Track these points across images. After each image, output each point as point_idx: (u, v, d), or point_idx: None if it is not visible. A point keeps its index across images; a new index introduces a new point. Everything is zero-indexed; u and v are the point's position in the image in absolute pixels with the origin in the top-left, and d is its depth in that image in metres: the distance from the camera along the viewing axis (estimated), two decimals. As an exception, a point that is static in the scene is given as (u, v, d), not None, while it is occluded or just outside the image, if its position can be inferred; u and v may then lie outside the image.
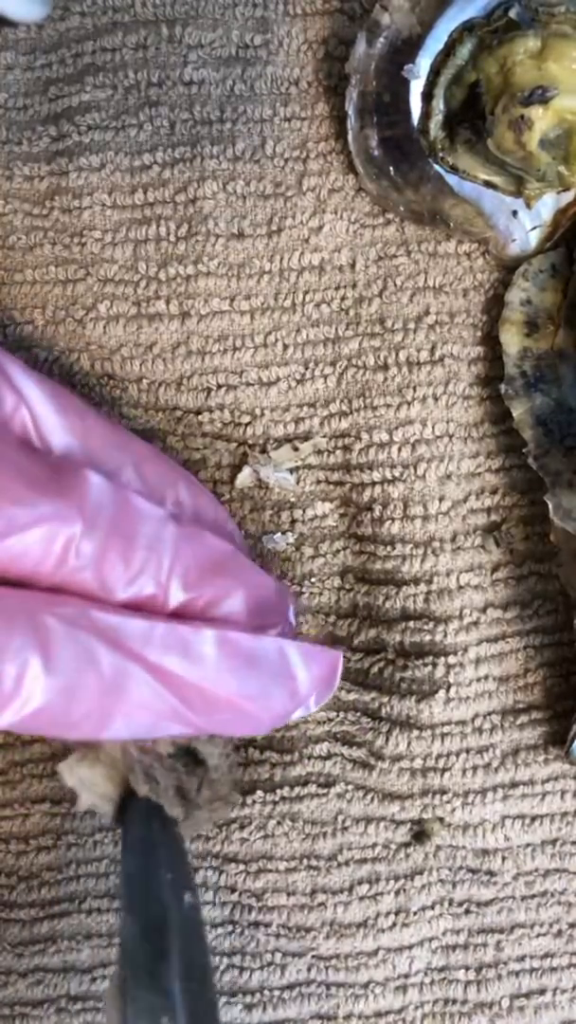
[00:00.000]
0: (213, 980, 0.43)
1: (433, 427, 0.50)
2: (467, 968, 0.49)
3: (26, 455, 0.41)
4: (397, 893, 0.49)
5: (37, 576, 0.40)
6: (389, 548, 0.50)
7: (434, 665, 0.49)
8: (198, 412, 0.51)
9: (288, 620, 0.46)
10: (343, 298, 0.50)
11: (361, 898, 0.49)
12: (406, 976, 0.49)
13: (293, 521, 0.50)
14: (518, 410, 0.49)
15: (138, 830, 0.43)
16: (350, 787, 0.50)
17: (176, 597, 0.42)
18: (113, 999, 0.40)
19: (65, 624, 0.39)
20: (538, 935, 0.49)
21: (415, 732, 0.49)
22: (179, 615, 0.42)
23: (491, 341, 0.50)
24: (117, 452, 0.44)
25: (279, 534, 0.50)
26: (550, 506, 0.47)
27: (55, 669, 0.38)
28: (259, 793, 0.49)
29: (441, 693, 0.49)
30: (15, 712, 0.38)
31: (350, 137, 0.49)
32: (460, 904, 0.49)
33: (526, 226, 0.49)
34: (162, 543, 0.42)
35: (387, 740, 0.49)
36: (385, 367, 0.50)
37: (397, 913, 0.49)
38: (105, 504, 0.41)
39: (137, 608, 0.41)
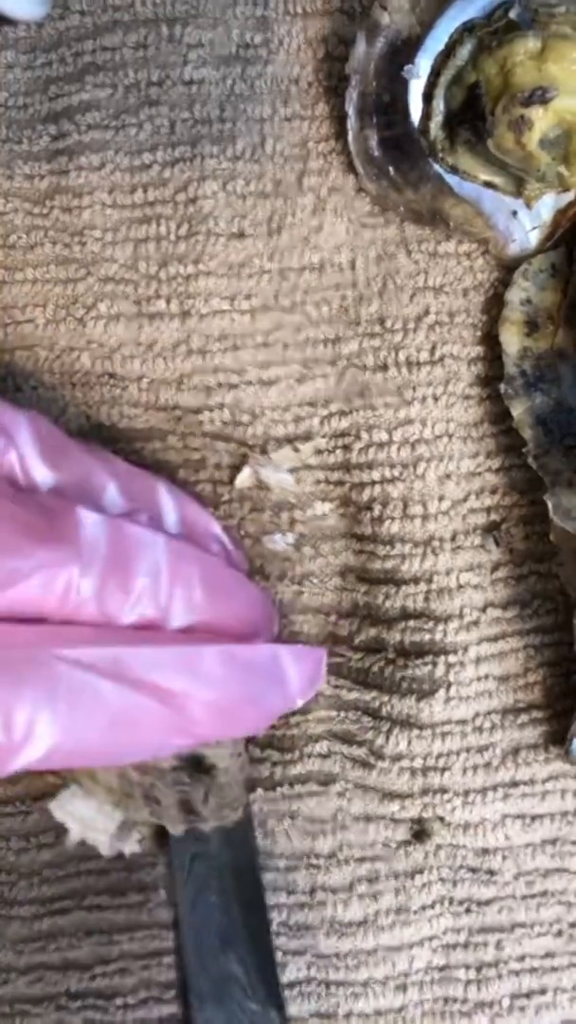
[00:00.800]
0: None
1: (433, 427, 0.50)
2: (467, 967, 0.49)
3: (19, 503, 0.42)
4: (397, 892, 0.49)
5: (41, 616, 0.41)
6: (389, 547, 0.50)
7: (434, 664, 0.49)
8: (198, 411, 0.51)
9: (272, 625, 0.48)
10: (343, 298, 0.50)
11: (361, 896, 0.49)
12: (406, 975, 0.49)
13: (293, 521, 0.51)
14: (518, 410, 0.49)
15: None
16: (350, 785, 0.50)
17: (176, 617, 0.43)
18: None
19: (72, 667, 0.40)
20: (538, 934, 0.49)
21: (415, 731, 0.49)
22: (180, 632, 0.44)
23: (491, 341, 0.50)
24: (99, 476, 0.45)
25: (279, 534, 0.51)
26: (550, 505, 0.47)
27: (64, 712, 0.39)
28: (259, 791, 0.49)
29: (441, 692, 0.49)
30: (28, 756, 0.39)
31: (350, 137, 0.49)
32: (460, 903, 0.49)
33: (526, 226, 0.49)
34: (158, 566, 0.43)
35: (387, 739, 0.49)
36: (385, 367, 0.50)
37: (397, 912, 0.49)
38: (99, 540, 0.42)
39: (141, 629, 0.43)
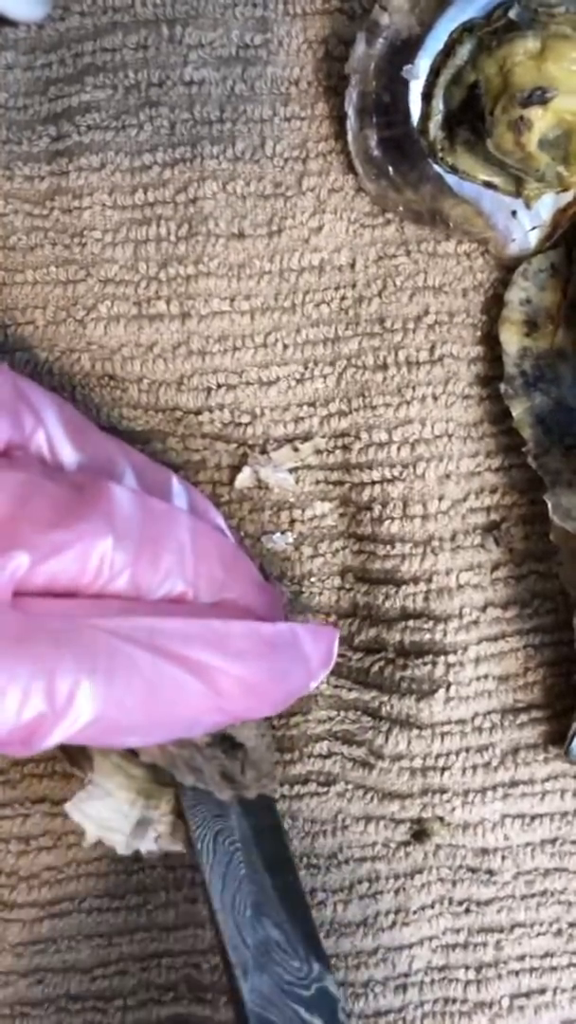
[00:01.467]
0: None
1: (432, 426, 0.50)
2: (467, 967, 0.49)
3: (51, 479, 0.42)
4: (397, 892, 0.49)
5: (77, 589, 0.41)
6: (389, 547, 0.50)
7: (434, 664, 0.49)
8: (198, 412, 0.51)
9: (282, 610, 0.48)
10: (343, 298, 0.51)
11: (361, 897, 0.49)
12: (406, 975, 0.49)
13: (293, 521, 0.51)
14: (517, 409, 0.49)
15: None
16: (350, 786, 0.50)
17: (203, 593, 0.44)
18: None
19: (110, 636, 0.40)
20: (538, 934, 0.49)
21: (415, 731, 0.49)
22: (208, 607, 0.44)
23: (491, 341, 0.50)
24: (119, 460, 0.46)
25: (279, 534, 0.51)
26: (549, 505, 0.47)
27: (104, 683, 0.39)
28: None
29: (441, 692, 0.49)
30: (68, 726, 0.39)
31: (350, 137, 0.49)
32: (460, 903, 0.49)
33: (525, 226, 0.49)
34: (183, 543, 0.44)
35: (387, 739, 0.49)
36: (384, 367, 0.50)
37: (397, 912, 0.49)
38: (132, 514, 0.42)
39: (171, 603, 0.43)
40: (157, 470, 0.47)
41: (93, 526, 0.41)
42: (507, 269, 0.50)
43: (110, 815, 0.45)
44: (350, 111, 0.49)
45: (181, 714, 0.41)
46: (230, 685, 0.42)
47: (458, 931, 0.49)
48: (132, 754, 0.45)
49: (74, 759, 0.46)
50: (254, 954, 0.44)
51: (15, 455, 0.43)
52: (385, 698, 0.49)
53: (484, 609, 0.50)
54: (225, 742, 0.45)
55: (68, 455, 0.45)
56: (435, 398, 0.50)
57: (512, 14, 0.46)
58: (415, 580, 0.50)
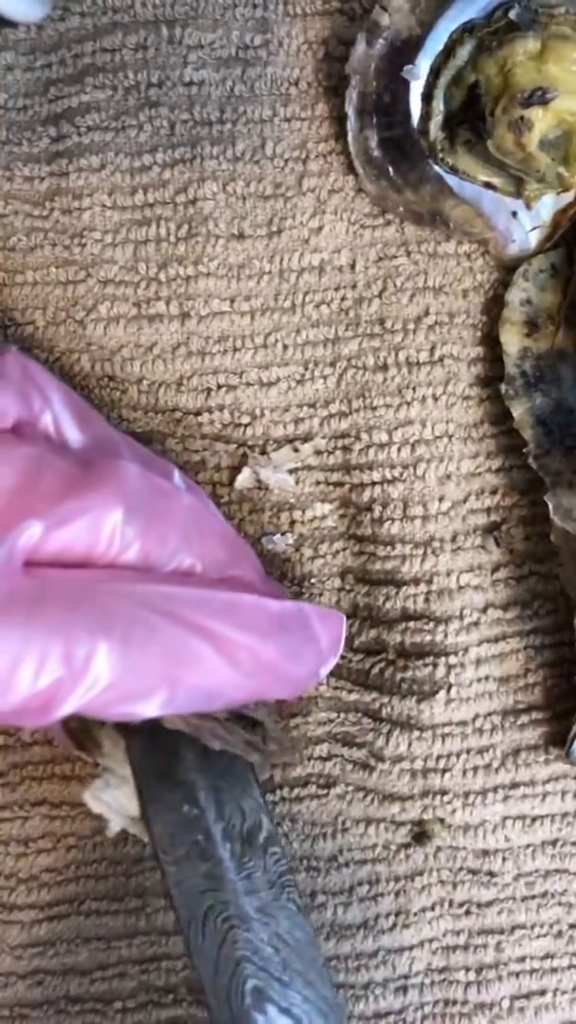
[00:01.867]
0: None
1: (433, 427, 0.50)
2: (467, 969, 0.49)
3: (59, 454, 0.42)
4: (397, 894, 0.49)
5: (89, 560, 0.41)
6: (389, 548, 0.50)
7: (434, 666, 0.49)
8: (198, 413, 0.51)
9: (282, 595, 0.47)
10: (343, 299, 0.50)
11: (361, 899, 0.49)
12: (406, 977, 0.49)
13: (293, 522, 0.51)
14: (518, 410, 0.49)
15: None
16: (350, 788, 0.50)
17: (210, 568, 0.44)
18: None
19: (125, 601, 0.40)
20: (538, 936, 0.49)
21: (416, 733, 0.49)
22: (217, 583, 0.44)
23: (491, 341, 0.50)
24: (122, 449, 0.45)
25: (279, 535, 0.50)
26: (550, 506, 0.47)
27: (120, 647, 0.39)
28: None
29: (441, 694, 0.49)
30: (85, 691, 0.39)
31: (350, 138, 0.49)
32: (460, 905, 0.49)
33: (526, 227, 0.49)
34: (187, 521, 0.44)
35: (387, 741, 0.49)
36: (385, 368, 0.50)
37: (397, 914, 0.49)
38: (140, 489, 0.42)
39: (182, 576, 0.43)
40: (159, 463, 0.47)
41: (104, 497, 0.41)
42: (507, 270, 0.50)
43: (129, 802, 0.44)
44: (350, 112, 0.49)
45: (198, 683, 0.41)
46: (245, 658, 0.42)
47: (459, 933, 0.49)
48: None
49: (82, 744, 0.45)
50: None
51: (24, 431, 0.43)
52: (385, 700, 0.49)
53: (485, 610, 0.50)
54: (242, 720, 0.45)
55: (74, 437, 0.45)
56: (435, 399, 0.50)
57: (512, 15, 0.46)
58: (416, 581, 0.50)
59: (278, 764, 0.47)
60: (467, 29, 0.47)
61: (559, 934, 0.49)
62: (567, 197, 0.49)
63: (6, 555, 0.39)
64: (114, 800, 0.44)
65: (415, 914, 0.49)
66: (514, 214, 0.49)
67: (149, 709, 0.41)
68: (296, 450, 0.50)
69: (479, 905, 0.49)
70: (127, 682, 0.39)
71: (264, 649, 0.42)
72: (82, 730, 0.45)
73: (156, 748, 0.44)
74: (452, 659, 0.49)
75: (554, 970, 0.49)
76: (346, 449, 0.50)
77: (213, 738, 0.43)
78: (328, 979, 0.43)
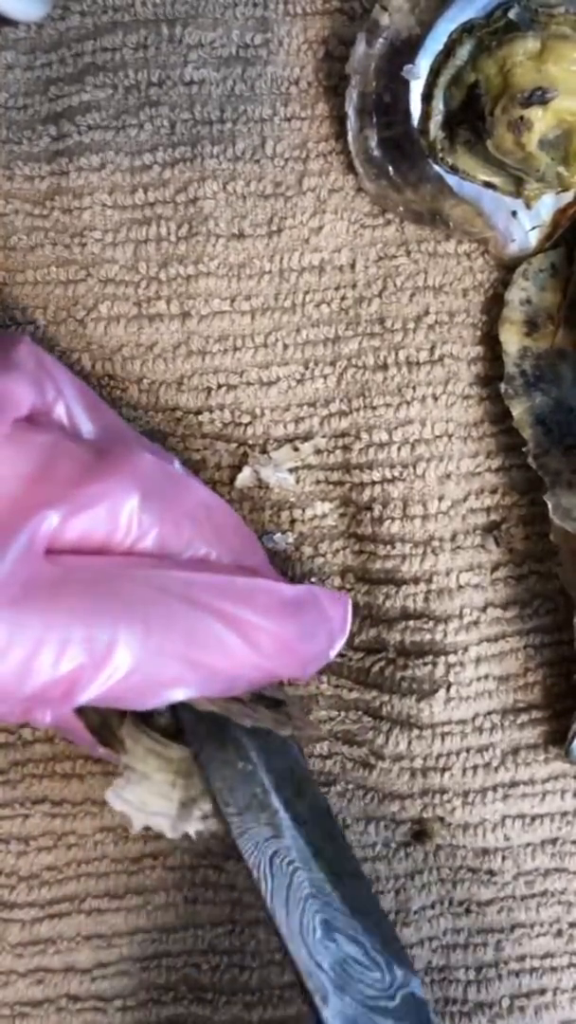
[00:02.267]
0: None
1: (432, 427, 0.50)
2: (467, 968, 0.49)
3: (75, 443, 0.43)
4: (397, 892, 0.49)
5: (108, 547, 0.42)
6: (389, 547, 0.50)
7: (434, 664, 0.49)
8: (198, 412, 0.51)
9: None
10: (343, 298, 0.51)
11: (361, 898, 0.49)
12: (406, 975, 0.49)
13: (293, 521, 0.51)
14: (517, 409, 0.49)
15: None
16: (350, 786, 0.50)
17: (224, 556, 0.44)
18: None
19: (145, 586, 0.40)
20: (538, 935, 0.49)
21: (415, 731, 0.49)
22: (233, 570, 0.45)
23: (491, 341, 0.50)
24: (131, 440, 0.46)
25: (279, 534, 0.51)
26: (549, 505, 0.47)
27: (142, 633, 0.40)
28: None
29: (441, 692, 0.49)
30: (107, 677, 0.39)
31: (350, 137, 0.49)
32: (460, 903, 0.49)
33: (525, 226, 0.49)
34: (202, 510, 0.44)
35: (387, 739, 0.49)
36: (385, 367, 0.50)
37: (397, 912, 0.49)
38: (156, 475, 0.43)
39: (199, 562, 0.44)
40: (165, 455, 0.47)
41: (120, 483, 0.41)
42: (507, 269, 0.50)
43: (151, 799, 0.44)
44: (350, 111, 0.49)
45: (220, 667, 0.42)
46: (265, 640, 0.42)
47: (458, 931, 0.49)
48: (165, 737, 0.45)
49: (105, 740, 0.45)
50: (331, 976, 0.42)
51: (39, 420, 0.44)
52: (385, 698, 0.49)
53: (484, 609, 0.50)
54: (263, 700, 0.45)
55: (86, 427, 0.45)
56: (435, 398, 0.50)
57: (512, 14, 0.46)
58: (415, 580, 0.50)
59: (303, 742, 0.48)
60: (467, 29, 0.47)
61: (559, 933, 0.49)
62: (567, 197, 0.49)
63: (27, 542, 0.39)
64: (136, 797, 0.44)
65: (415, 912, 0.49)
66: (514, 213, 0.49)
67: (174, 695, 0.41)
68: (296, 449, 0.50)
69: (479, 904, 0.49)
70: (149, 667, 0.40)
71: (283, 630, 0.43)
72: (102, 726, 0.45)
73: (203, 715, 0.44)
74: (452, 658, 0.49)
75: (554, 969, 0.49)
76: (346, 448, 0.50)
77: (244, 717, 0.44)
78: (377, 902, 0.46)
